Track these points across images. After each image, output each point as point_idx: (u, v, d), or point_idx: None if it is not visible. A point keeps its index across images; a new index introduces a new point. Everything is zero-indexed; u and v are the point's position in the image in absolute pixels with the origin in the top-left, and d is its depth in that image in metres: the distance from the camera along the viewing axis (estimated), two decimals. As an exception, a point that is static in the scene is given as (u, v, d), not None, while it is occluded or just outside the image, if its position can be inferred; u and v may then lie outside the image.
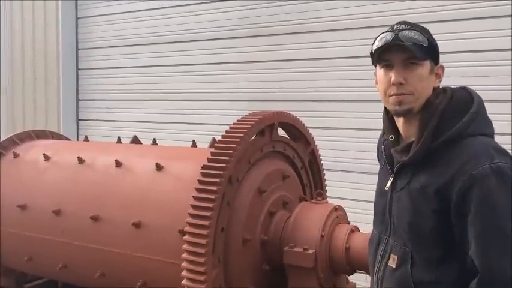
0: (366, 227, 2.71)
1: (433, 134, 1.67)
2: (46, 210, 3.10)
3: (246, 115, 2.75)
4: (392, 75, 1.69)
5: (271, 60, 5.29)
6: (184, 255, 2.34)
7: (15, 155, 3.57)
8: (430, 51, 1.72)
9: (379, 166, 1.98)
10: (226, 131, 2.62)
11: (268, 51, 5.31)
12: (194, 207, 2.36)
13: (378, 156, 2.04)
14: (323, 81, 5.01)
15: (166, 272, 2.64)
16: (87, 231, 2.94)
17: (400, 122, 1.79)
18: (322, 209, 2.74)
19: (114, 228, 2.84)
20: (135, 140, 3.94)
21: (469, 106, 1.70)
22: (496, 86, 4.16)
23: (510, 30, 4.03)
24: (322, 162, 3.43)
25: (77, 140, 6.34)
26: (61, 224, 3.06)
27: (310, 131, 3.24)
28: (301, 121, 3.13)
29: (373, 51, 1.75)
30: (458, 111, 1.69)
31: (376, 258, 1.86)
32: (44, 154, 3.39)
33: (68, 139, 4.27)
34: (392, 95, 1.71)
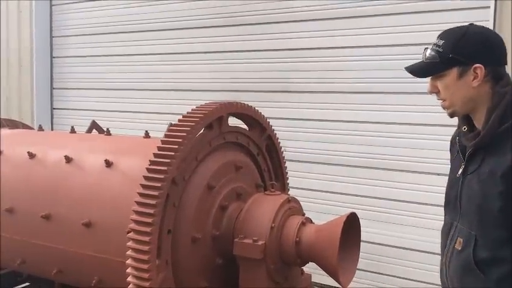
0: (330, 217, 2.73)
1: (499, 120, 1.83)
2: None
3: (192, 109, 2.66)
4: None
5: (241, 51, 5.20)
6: (129, 252, 2.31)
7: (-33, 149, 3.48)
8: (450, 60, 1.88)
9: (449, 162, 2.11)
10: (170, 129, 2.55)
11: (239, 41, 5.21)
12: (139, 205, 2.31)
13: (450, 150, 2.18)
14: (293, 72, 4.92)
15: (119, 270, 2.63)
16: (39, 230, 2.92)
17: (471, 115, 1.97)
18: (274, 200, 2.71)
19: (65, 227, 2.82)
20: (94, 125, 3.86)
21: None
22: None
23: (488, 22, 3.91)
24: (281, 146, 3.38)
25: (51, 129, 6.27)
26: (14, 222, 3.03)
27: (280, 121, 3.20)
28: (253, 108, 3.05)
29: None
30: None
31: (446, 242, 2.02)
32: (-6, 148, 3.31)
33: (26, 125, 4.17)
34: None
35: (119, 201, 2.67)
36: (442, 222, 2.10)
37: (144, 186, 2.34)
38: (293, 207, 2.75)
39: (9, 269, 3.61)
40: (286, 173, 3.48)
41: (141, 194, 2.33)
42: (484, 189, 1.84)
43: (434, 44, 1.93)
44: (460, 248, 1.92)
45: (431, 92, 1.98)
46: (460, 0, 4.15)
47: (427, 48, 1.96)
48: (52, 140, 3.45)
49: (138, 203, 2.31)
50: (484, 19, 3.87)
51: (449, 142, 2.19)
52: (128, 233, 2.32)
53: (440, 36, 1.95)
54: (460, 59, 1.88)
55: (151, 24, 5.80)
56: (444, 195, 2.08)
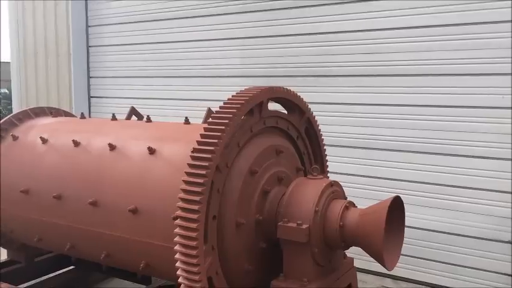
0: (371, 203, 2.71)
1: None
2: (48, 195, 3.17)
3: (233, 96, 2.66)
4: None
5: (277, 35, 5.12)
6: (177, 238, 2.35)
7: (14, 138, 3.60)
8: None
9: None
10: (212, 116, 2.56)
11: (275, 26, 5.13)
12: (184, 192, 2.35)
13: None
14: (330, 55, 4.83)
15: (166, 255, 2.69)
16: (87, 216, 3.01)
17: None
18: (317, 184, 2.71)
19: (112, 213, 2.90)
20: (133, 111, 3.92)
21: None
22: (495, 59, 4.00)
23: (510, 1, 3.75)
24: (320, 129, 3.36)
25: (89, 117, 6.41)
26: (63, 209, 3.13)
27: (317, 106, 3.16)
28: (292, 92, 3.04)
29: None
30: None
31: None
32: (41, 137, 3.41)
33: (69, 113, 4.27)
34: None
35: (164, 188, 2.71)
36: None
37: (189, 174, 2.37)
38: (336, 191, 2.75)
39: (55, 253, 3.77)
40: (326, 155, 3.46)
41: (186, 182, 2.36)
42: None
43: None
44: None
45: None
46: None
47: None
48: (95, 127, 3.53)
49: (184, 191, 2.35)
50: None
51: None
52: (175, 219, 2.36)
53: None
54: None
55: (186, 11, 5.79)
56: None
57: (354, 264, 3.02)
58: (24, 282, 3.86)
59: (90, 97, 6.98)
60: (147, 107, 5.37)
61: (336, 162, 4.59)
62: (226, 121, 2.46)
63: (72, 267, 4.15)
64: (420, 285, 4.38)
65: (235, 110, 2.52)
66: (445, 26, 4.19)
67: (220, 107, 2.59)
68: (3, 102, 17.47)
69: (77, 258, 3.74)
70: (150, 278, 3.79)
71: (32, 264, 4.01)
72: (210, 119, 2.54)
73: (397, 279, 4.51)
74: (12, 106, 7.66)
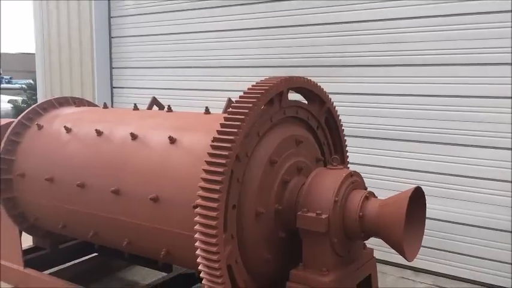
0: (391, 194, 2.68)
1: None
2: (71, 183, 3.24)
3: (253, 85, 2.67)
4: None
5: (297, 25, 5.09)
6: (197, 227, 2.37)
7: (39, 127, 3.68)
8: None
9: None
10: (232, 105, 2.57)
11: (296, 16, 5.11)
12: (205, 181, 2.37)
13: None
14: (350, 45, 4.79)
15: (186, 244, 2.73)
16: (110, 204, 3.06)
17: None
18: (337, 174, 2.70)
19: (134, 201, 2.94)
20: (154, 101, 3.96)
21: None
22: (495, 48, 3.95)
23: None
24: (341, 119, 3.34)
25: (112, 107, 6.49)
26: (86, 197, 3.20)
27: (338, 96, 3.13)
28: (313, 81, 3.02)
29: None
30: None
31: None
32: (65, 126, 3.48)
33: (92, 103, 4.34)
34: None
35: (184, 177, 2.74)
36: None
37: (209, 163, 2.39)
38: (356, 181, 2.74)
39: (80, 240, 3.86)
40: (346, 145, 3.45)
41: (206, 171, 2.39)
42: None
43: None
44: None
45: None
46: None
47: None
48: (117, 117, 3.58)
49: (204, 179, 2.37)
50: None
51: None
52: (195, 208, 2.39)
53: None
54: None
55: (208, 2, 5.80)
56: None
57: (374, 255, 3.01)
58: (48, 269, 3.97)
59: (112, 87, 7.07)
60: (168, 97, 5.40)
61: (357, 153, 4.56)
62: (246, 111, 2.47)
63: (95, 254, 4.24)
64: (441, 277, 4.34)
65: (255, 100, 2.52)
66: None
67: (240, 97, 2.59)
68: (29, 93, 17.82)
69: (100, 246, 3.81)
70: (171, 266, 3.85)
71: (56, 251, 4.12)
72: (230, 109, 2.55)
73: (418, 271, 4.48)
74: (37, 96, 7.81)
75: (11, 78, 36.18)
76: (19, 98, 18.83)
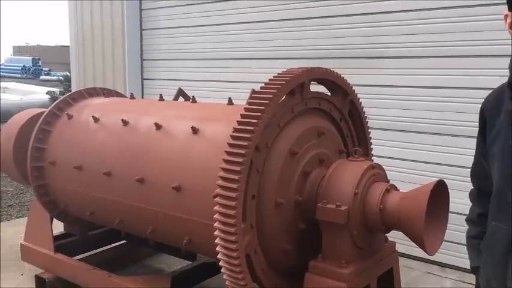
0: (415, 187, 2.65)
1: None
2: (99, 171, 3.32)
3: (274, 76, 2.67)
4: None
5: (323, 16, 5.04)
6: (216, 216, 2.40)
7: (69, 117, 3.79)
8: None
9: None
10: (253, 96, 2.58)
11: (320, 7, 5.05)
12: (224, 171, 2.40)
13: (484, 119, 1.73)
14: (375, 37, 4.70)
15: (207, 233, 2.77)
16: (134, 192, 3.13)
17: None
18: (357, 166, 2.68)
19: (157, 190, 3.00)
20: (180, 93, 4.02)
21: None
22: (493, 40, 3.86)
23: None
24: (365, 111, 3.31)
25: (142, 98, 6.59)
26: (112, 185, 3.28)
27: (363, 88, 3.09)
28: (336, 73, 3.00)
29: None
30: None
31: (508, 263, 1.39)
32: (93, 116, 3.57)
33: (120, 93, 4.43)
34: None
35: (206, 167, 2.78)
36: None
37: (228, 153, 2.42)
38: (377, 174, 2.71)
39: (108, 228, 3.97)
40: (370, 138, 3.41)
41: (226, 161, 2.41)
42: None
43: None
44: None
45: None
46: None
47: None
48: (143, 107, 3.65)
49: (224, 169, 2.40)
50: None
51: None
52: (214, 197, 2.42)
53: None
54: None
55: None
56: (476, 187, 1.60)
57: (397, 249, 2.98)
58: (78, 254, 4.10)
59: (143, 79, 7.19)
60: (196, 89, 5.48)
61: (382, 146, 4.50)
62: (266, 101, 2.48)
63: (123, 241, 4.35)
64: (466, 273, 4.25)
65: (275, 91, 2.53)
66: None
67: (261, 88, 2.60)
68: (65, 84, 18.33)
69: (127, 233, 3.91)
70: (195, 255, 3.91)
71: (85, 237, 4.25)
72: (251, 100, 2.56)
73: (445, 266, 4.40)
74: (71, 88, 8.02)
75: (50, 70, 37.32)
76: (56, 90, 19.43)
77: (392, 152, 4.65)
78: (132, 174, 3.11)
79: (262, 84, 2.64)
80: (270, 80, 2.65)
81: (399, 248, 3.04)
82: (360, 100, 3.27)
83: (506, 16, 1.60)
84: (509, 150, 1.47)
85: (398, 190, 2.68)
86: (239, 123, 2.48)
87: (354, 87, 3.18)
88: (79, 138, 3.61)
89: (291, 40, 5.34)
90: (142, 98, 6.88)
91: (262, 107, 2.46)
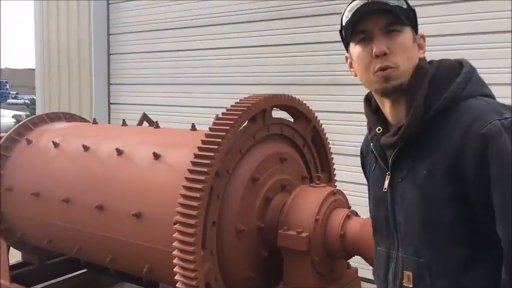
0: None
1: (424, 103, 1.40)
2: (57, 198, 3.23)
3: (236, 103, 2.68)
4: (374, 46, 1.43)
5: (287, 44, 5.14)
6: (176, 243, 2.37)
7: (28, 142, 3.70)
8: (410, 17, 1.48)
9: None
10: (214, 122, 2.58)
11: (285, 35, 5.16)
12: (184, 197, 2.38)
13: (362, 165, 1.81)
14: (339, 64, 4.78)
15: (168, 261, 2.71)
16: (94, 219, 3.06)
17: (387, 106, 1.53)
18: (319, 193, 2.69)
19: (117, 217, 2.94)
20: (144, 118, 3.98)
21: (460, 70, 1.46)
22: (496, 69, 3.87)
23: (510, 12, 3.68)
24: (327, 137, 3.34)
25: (109, 123, 6.54)
26: (70, 212, 3.20)
27: (327, 114, 3.13)
28: (298, 99, 3.03)
29: (344, 24, 1.50)
30: (449, 76, 1.43)
31: (388, 280, 1.53)
32: (53, 141, 3.49)
33: (83, 118, 4.36)
34: (378, 71, 1.44)
35: (167, 194, 2.74)
36: None
37: (188, 180, 2.40)
38: (338, 200, 2.73)
39: (67, 256, 3.84)
40: (333, 164, 3.44)
41: (185, 187, 2.39)
42: (426, 197, 1.38)
43: None
44: (411, 286, 1.44)
45: (382, 53, 1.42)
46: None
47: None
48: (105, 132, 3.60)
49: (183, 196, 2.37)
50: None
51: None
52: (174, 224, 2.38)
53: None
54: (415, 19, 1.50)
55: (199, 20, 5.89)
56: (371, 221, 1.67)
57: (359, 275, 2.98)
58: (36, 284, 3.94)
59: (110, 103, 7.12)
60: (162, 114, 5.46)
61: (346, 171, 4.53)
62: (227, 128, 2.48)
63: (84, 270, 4.22)
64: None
65: (236, 117, 2.53)
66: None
67: (223, 114, 2.61)
68: (31, 108, 17.97)
69: (87, 261, 3.79)
70: (158, 283, 3.81)
71: (44, 266, 4.09)
72: (212, 126, 2.56)
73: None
74: (36, 112, 7.87)
75: (17, 93, 36.58)
76: (23, 113, 19.00)
77: (356, 177, 4.69)
78: (91, 200, 3.04)
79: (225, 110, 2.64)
80: (231, 106, 2.66)
81: (362, 273, 3.04)
82: (323, 126, 3.31)
83: (347, 58, 1.63)
84: (381, 180, 1.56)
85: (359, 216, 2.69)
86: (200, 149, 2.47)
87: (317, 114, 3.22)
88: (37, 163, 3.52)
89: (254, 66, 5.41)
90: (109, 122, 6.80)
91: (223, 133, 2.46)
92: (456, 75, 1.44)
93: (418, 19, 1.52)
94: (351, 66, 1.60)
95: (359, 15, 1.44)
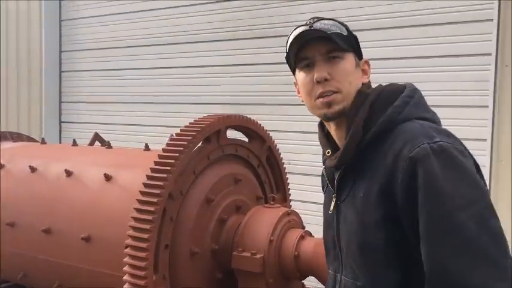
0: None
1: (363, 126, 1.45)
2: (0, 222, 3.07)
3: (190, 123, 2.66)
4: (315, 72, 1.48)
5: (242, 64, 5.22)
6: (126, 268, 2.30)
7: (-29, 163, 3.51)
8: (351, 43, 1.53)
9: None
10: (168, 143, 2.54)
11: (240, 55, 5.25)
12: (135, 220, 2.31)
13: (322, 186, 1.82)
14: (287, 85, 4.90)
15: (119, 286, 2.62)
16: (40, 244, 2.93)
17: (332, 130, 1.58)
18: (273, 213, 2.69)
19: (65, 241, 2.82)
20: (96, 137, 3.88)
21: (401, 94, 1.49)
22: (475, 91, 3.98)
23: (491, 35, 3.86)
24: (282, 158, 3.36)
25: (60, 142, 6.36)
26: (15, 236, 3.05)
27: (283, 134, 3.16)
28: (252, 120, 3.04)
29: (288, 50, 1.57)
30: (389, 100, 1.47)
31: None
32: (-3, 162, 3.34)
33: (31, 138, 4.20)
34: (319, 97, 1.50)
35: (118, 216, 2.66)
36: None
37: (140, 202, 2.34)
38: (292, 220, 2.73)
39: (11, 283, 3.65)
40: (288, 184, 3.45)
41: (137, 210, 2.33)
42: (362, 220, 1.41)
43: (327, 20, 1.52)
44: None
45: (323, 79, 1.47)
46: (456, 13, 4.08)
47: (316, 21, 1.51)
48: (54, 153, 3.47)
49: (135, 219, 2.31)
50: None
51: None
52: (125, 248, 2.31)
53: (325, 18, 1.54)
54: (357, 45, 1.56)
55: (153, 39, 5.91)
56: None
57: (314, 295, 2.98)
58: (-24, 313, 3.72)
59: (61, 122, 6.92)
60: (115, 133, 5.36)
61: (303, 191, 4.58)
62: (181, 148, 2.45)
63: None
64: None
65: (190, 138, 2.51)
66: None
67: (177, 134, 2.58)
68: (-23, 126, 17.23)
69: (32, 288, 3.61)
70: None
71: (-14, 294, 3.87)
72: (165, 147, 2.52)
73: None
74: (-18, 130, 7.53)
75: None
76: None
77: (313, 196, 4.75)
78: (37, 224, 2.91)
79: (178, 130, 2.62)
80: (185, 126, 2.63)
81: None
82: (278, 146, 3.33)
83: (295, 83, 1.69)
84: (329, 202, 1.63)
85: (313, 236, 2.71)
86: (152, 170, 2.42)
87: (272, 133, 3.24)
88: (-20, 185, 3.34)
89: (209, 86, 5.43)
90: (60, 141, 6.61)
91: (177, 154, 2.43)
92: (396, 99, 1.47)
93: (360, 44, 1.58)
94: (298, 92, 1.65)
95: (301, 43, 1.50)
